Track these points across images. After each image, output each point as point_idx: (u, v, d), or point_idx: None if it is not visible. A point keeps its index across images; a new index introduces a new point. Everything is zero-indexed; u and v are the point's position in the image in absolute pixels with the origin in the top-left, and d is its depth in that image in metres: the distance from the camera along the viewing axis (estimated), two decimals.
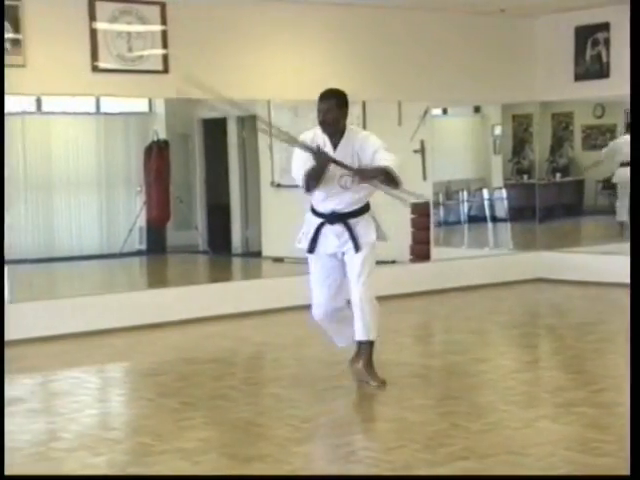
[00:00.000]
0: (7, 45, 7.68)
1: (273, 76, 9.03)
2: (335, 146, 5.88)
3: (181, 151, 13.30)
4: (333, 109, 5.85)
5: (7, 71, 7.63)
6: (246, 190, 12.92)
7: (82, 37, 8.07)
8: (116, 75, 8.27)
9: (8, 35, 7.68)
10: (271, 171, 11.84)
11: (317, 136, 5.92)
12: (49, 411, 5.88)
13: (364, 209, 6.00)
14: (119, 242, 12.76)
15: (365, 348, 5.97)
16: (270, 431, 5.16)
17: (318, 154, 5.75)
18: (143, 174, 12.75)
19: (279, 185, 11.69)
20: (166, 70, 8.44)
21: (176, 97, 8.46)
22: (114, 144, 13.18)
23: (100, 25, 8.14)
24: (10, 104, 11.44)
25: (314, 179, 5.82)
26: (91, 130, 13.03)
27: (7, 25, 7.65)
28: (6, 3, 7.54)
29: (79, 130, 13.02)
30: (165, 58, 8.43)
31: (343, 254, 5.95)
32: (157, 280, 11.53)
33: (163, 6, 8.40)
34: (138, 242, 13.15)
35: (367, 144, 5.87)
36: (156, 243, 13.11)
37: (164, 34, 8.41)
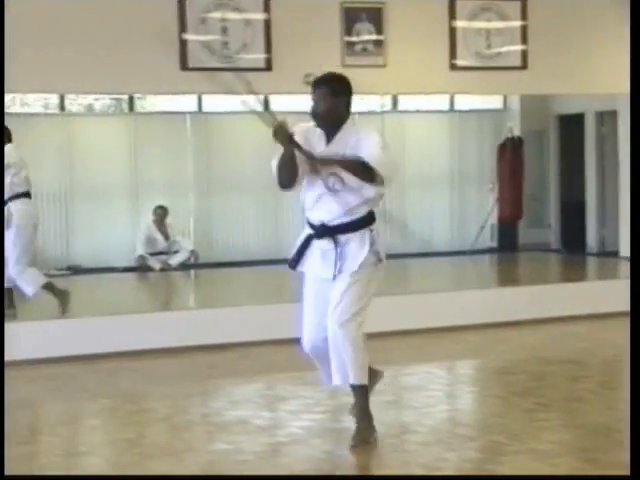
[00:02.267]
0: (370, 46, 7.92)
1: None
2: (328, 142, 4.86)
3: (535, 148, 13.14)
4: (327, 98, 4.81)
5: (368, 72, 7.89)
6: (603, 188, 12.52)
7: (441, 36, 8.16)
8: (473, 72, 8.28)
9: (371, 37, 7.92)
10: None
11: (310, 131, 4.89)
12: (402, 404, 5.98)
13: (360, 223, 4.84)
14: (470, 239, 12.81)
15: (357, 393, 4.97)
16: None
17: (278, 129, 4.68)
18: (496, 171, 12.73)
19: None
20: (525, 66, 8.34)
21: (534, 93, 8.34)
22: (467, 141, 13.26)
23: (460, 23, 8.18)
24: (369, 103, 11.86)
25: (282, 168, 4.78)
26: (444, 128, 13.19)
27: (370, 27, 7.89)
28: (371, 6, 7.80)
29: (433, 128, 13.22)
30: (524, 54, 8.33)
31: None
32: (509, 278, 11.45)
33: (524, 1, 8.30)
34: (489, 239, 13.15)
35: (364, 140, 4.79)
36: (508, 241, 13.04)
37: (524, 30, 8.31)
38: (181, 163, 12.33)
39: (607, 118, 12.14)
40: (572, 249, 12.39)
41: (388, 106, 12.88)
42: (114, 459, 4.87)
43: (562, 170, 13.10)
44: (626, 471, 4.33)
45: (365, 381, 4.92)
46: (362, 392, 4.94)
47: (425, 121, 13.19)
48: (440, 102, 13.08)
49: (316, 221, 4.86)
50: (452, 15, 8.13)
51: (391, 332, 7.84)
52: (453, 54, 8.17)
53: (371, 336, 7.58)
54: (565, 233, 12.91)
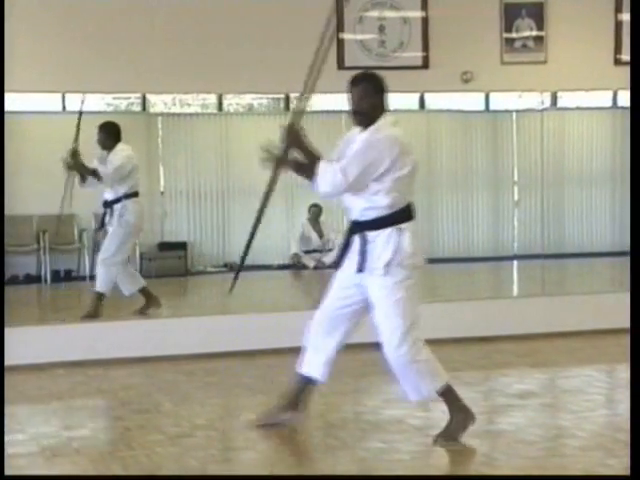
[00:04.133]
0: (530, 43, 7.80)
1: None
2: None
3: None
4: (361, 97, 4.80)
5: (527, 68, 7.77)
6: None
7: (606, 30, 7.96)
8: None
9: (531, 33, 7.81)
10: None
11: (353, 133, 4.91)
12: (560, 407, 5.86)
13: (384, 221, 4.76)
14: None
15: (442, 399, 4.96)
16: None
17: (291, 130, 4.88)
18: None
19: None
20: None
21: None
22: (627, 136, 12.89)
23: (626, 16, 7.95)
24: (528, 101, 11.68)
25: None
26: (607, 125, 12.85)
27: (531, 23, 7.77)
28: (531, 1, 7.68)
29: (594, 125, 12.90)
30: None
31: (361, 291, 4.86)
32: None
33: None
34: None
35: (354, 143, 4.78)
36: None
37: None
38: None
39: None
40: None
41: (547, 103, 12.64)
42: (269, 454, 4.94)
43: None
44: None
45: (438, 385, 4.91)
46: (443, 397, 4.95)
47: (586, 118, 12.88)
48: (602, 98, 12.76)
49: (350, 217, 4.91)
50: (618, 8, 7.92)
51: (546, 333, 7.71)
52: (618, 48, 7.96)
53: (524, 337, 7.55)
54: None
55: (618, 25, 7.93)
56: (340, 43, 7.58)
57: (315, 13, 7.59)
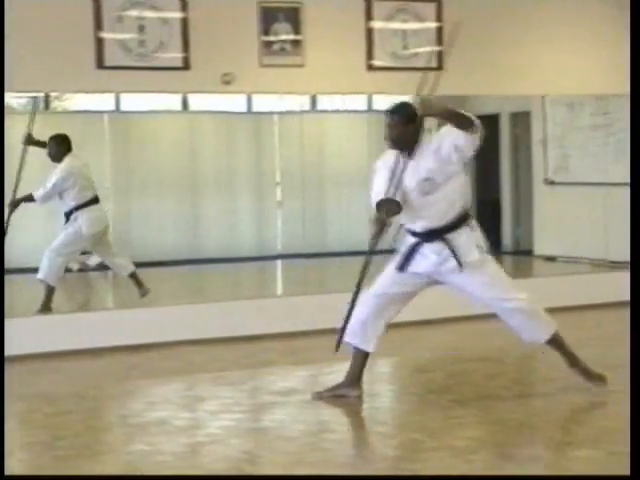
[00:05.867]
0: (288, 46, 7.95)
1: (550, 71, 8.82)
2: (405, 165, 5.51)
3: None
4: (397, 126, 5.52)
5: (285, 71, 7.92)
6: (518, 187, 12.73)
7: (358, 36, 8.21)
8: (389, 73, 8.34)
9: (289, 37, 7.95)
10: (544, 168, 11.62)
11: (390, 154, 5.65)
12: (321, 403, 6.00)
13: (461, 221, 5.57)
14: (388, 238, 12.86)
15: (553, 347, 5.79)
16: (544, 433, 5.04)
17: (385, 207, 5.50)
18: None
19: (552, 182, 11.47)
20: (440, 67, 8.42)
21: (449, 94, 8.42)
22: (384, 141, 13.32)
23: (376, 24, 8.25)
24: (289, 103, 11.88)
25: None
26: (362, 127, 13.25)
27: (288, 27, 7.92)
28: (289, 5, 7.84)
29: (351, 128, 13.28)
30: (440, 55, 8.43)
31: (437, 277, 5.66)
32: None
33: (439, 3, 8.40)
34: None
35: (439, 139, 5.46)
36: None
37: (439, 31, 8.41)
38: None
39: (520, 119, 12.34)
40: (488, 247, 12.53)
41: (307, 106, 12.92)
42: (30, 461, 4.82)
43: (478, 170, 13.25)
44: (539, 466, 4.44)
45: (552, 330, 5.69)
46: (554, 344, 5.74)
47: (343, 121, 13.25)
48: (359, 102, 13.17)
49: (421, 228, 5.53)
50: (369, 16, 8.20)
51: (310, 331, 7.87)
52: (370, 54, 8.24)
53: (289, 335, 7.70)
54: (481, 232, 13.06)
55: (369, 32, 8.20)
56: (99, 42, 7.46)
57: (72, 11, 7.50)
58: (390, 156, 5.63)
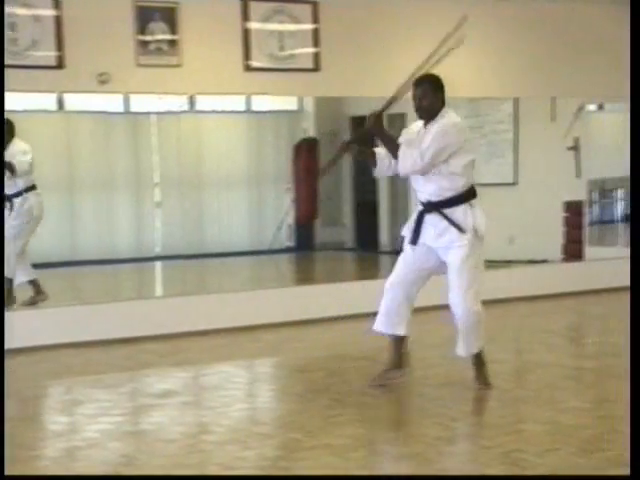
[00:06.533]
0: (164, 46, 7.89)
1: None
2: (422, 134, 5.74)
3: (330, 149, 13.31)
4: (428, 94, 5.69)
5: (163, 71, 7.87)
6: (394, 188, 12.89)
7: (235, 37, 8.20)
8: (267, 74, 8.36)
9: (165, 37, 7.89)
10: None
11: (416, 126, 5.90)
12: (200, 404, 5.99)
13: (460, 199, 5.67)
14: (268, 239, 12.91)
15: (475, 361, 5.91)
16: (419, 430, 5.12)
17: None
18: (292, 172, 12.82)
19: None
20: (317, 69, 8.50)
21: (326, 95, 8.52)
22: (264, 142, 13.35)
23: (253, 25, 8.25)
24: (167, 103, 11.80)
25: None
26: (242, 128, 13.24)
27: (164, 27, 7.86)
28: (165, 5, 7.78)
29: (230, 128, 13.24)
30: (316, 57, 8.49)
31: (440, 256, 5.76)
32: (306, 277, 11.63)
33: (315, 5, 8.46)
34: (287, 239, 13.29)
35: (428, 132, 5.66)
36: (305, 240, 13.21)
37: (316, 32, 8.47)
38: None
39: (396, 120, 12.49)
40: (366, 247, 12.69)
41: (185, 106, 12.82)
42: None
43: (356, 170, 13.39)
44: (414, 463, 4.51)
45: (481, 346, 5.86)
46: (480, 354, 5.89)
47: (222, 122, 13.19)
48: (237, 103, 13.13)
49: (423, 199, 5.75)
50: (245, 17, 8.19)
51: (190, 332, 7.84)
52: (247, 55, 8.23)
53: (168, 337, 7.65)
54: (359, 232, 13.20)
55: (245, 33, 8.20)
56: None
57: None
58: (415, 127, 5.89)
